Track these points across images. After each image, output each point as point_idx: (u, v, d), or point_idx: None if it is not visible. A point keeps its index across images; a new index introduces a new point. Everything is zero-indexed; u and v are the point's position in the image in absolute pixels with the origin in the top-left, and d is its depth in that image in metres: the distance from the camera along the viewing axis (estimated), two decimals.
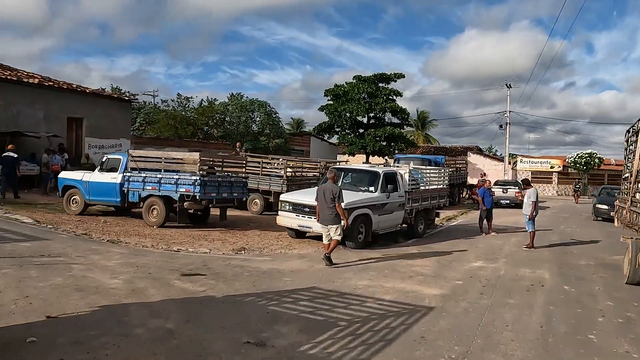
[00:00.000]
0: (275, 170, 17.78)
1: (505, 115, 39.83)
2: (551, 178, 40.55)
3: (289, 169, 17.58)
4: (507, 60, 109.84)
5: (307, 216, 11.69)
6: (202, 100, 30.73)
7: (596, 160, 37.93)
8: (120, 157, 14.08)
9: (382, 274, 9.11)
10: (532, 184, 13.35)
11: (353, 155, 36.59)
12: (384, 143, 36.40)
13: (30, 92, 20.30)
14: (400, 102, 36.48)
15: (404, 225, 13.74)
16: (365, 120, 37.89)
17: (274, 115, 32.19)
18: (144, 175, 13.23)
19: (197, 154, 13.02)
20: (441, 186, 15.32)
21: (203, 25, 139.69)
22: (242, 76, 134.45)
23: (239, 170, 14.58)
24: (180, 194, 12.70)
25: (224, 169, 14.42)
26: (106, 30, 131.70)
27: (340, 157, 36.92)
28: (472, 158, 42.79)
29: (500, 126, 40.25)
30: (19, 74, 20.87)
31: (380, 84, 37.33)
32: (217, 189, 13.08)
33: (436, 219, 15.81)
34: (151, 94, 34.21)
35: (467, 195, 29.18)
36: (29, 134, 19.09)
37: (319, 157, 39.60)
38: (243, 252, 10.57)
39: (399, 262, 10.27)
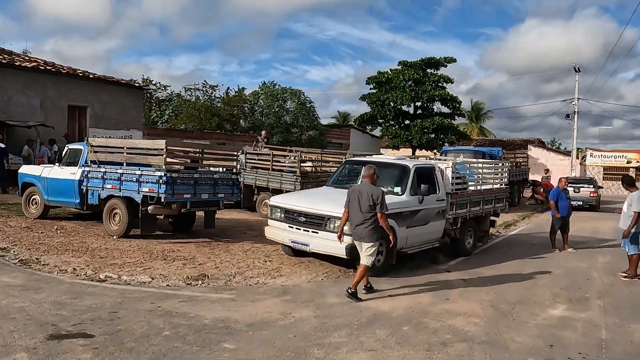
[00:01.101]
0: (291, 164, 14.23)
1: (573, 103, 34.46)
2: (627, 174, 34.84)
3: (307, 163, 13.97)
4: (571, 51, 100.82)
5: (302, 228, 8.09)
6: (227, 88, 27.54)
7: None
8: (81, 147, 10.97)
9: (398, 334, 5.37)
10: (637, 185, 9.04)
11: (397, 148, 32.48)
12: (432, 135, 32.14)
13: (25, 77, 17.74)
14: (454, 93, 32.07)
15: (445, 238, 9.87)
16: (411, 110, 33.73)
17: (308, 105, 28.65)
18: (104, 170, 10.05)
19: (163, 141, 9.66)
20: (498, 185, 11.24)
21: (257, 23, 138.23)
22: (294, 72, 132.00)
23: (230, 165, 11.13)
24: (143, 195, 9.40)
25: (213, 162, 11.06)
26: (165, 31, 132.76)
27: (383, 151, 32.84)
28: (534, 152, 37.59)
29: (567, 115, 34.91)
30: (14, 58, 18.39)
31: (429, 70, 33.02)
32: (193, 189, 9.67)
33: (491, 228, 11.74)
34: (192, 88, 31.46)
35: (531, 195, 24.53)
36: (12, 123, 16.50)
37: (360, 150, 35.89)
38: (199, 282, 7.08)
39: (431, 307, 6.45)
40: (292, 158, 14.37)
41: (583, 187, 21.01)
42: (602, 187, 24.29)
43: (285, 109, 27.35)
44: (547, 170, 27.55)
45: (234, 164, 10.99)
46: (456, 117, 33.87)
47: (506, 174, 11.45)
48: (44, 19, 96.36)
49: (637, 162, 34.28)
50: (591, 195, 20.47)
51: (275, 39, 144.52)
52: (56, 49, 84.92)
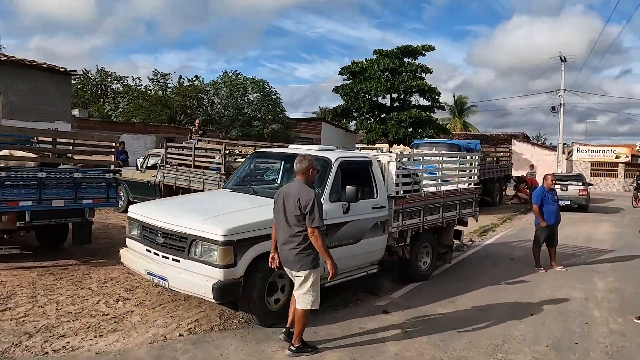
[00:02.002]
0: (215, 160, 11.37)
1: (559, 94, 31.87)
2: (616, 170, 32.27)
3: (233, 158, 11.09)
4: (558, 47, 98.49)
5: (161, 253, 5.27)
6: (180, 77, 24.56)
7: None
8: None
9: None
10: None
11: (373, 143, 29.72)
12: (410, 129, 29.42)
13: None
14: (434, 85, 29.32)
15: (393, 256, 7.12)
16: (387, 102, 31.02)
17: (273, 96, 25.77)
18: None
19: None
20: (467, 185, 8.45)
21: (245, 20, 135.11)
22: (283, 70, 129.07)
23: (105, 160, 8.23)
24: None
25: (91, 158, 8.20)
26: (152, 28, 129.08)
27: (358, 147, 29.98)
28: (518, 147, 34.96)
29: (553, 108, 32.29)
30: None
31: (406, 59, 30.31)
32: (37, 193, 6.79)
33: (456, 240, 8.93)
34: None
35: (514, 193, 21.88)
36: None
37: (332, 145, 33.06)
38: None
39: None
40: (215, 151, 11.46)
41: (571, 184, 18.34)
42: (591, 185, 21.67)
43: (246, 101, 24.43)
44: (532, 166, 24.95)
45: (111, 158, 8.08)
46: (436, 110, 31.13)
47: (477, 170, 8.66)
48: (28, 16, 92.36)
49: (627, 157, 31.79)
50: (580, 193, 17.82)
51: (264, 36, 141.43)
52: (41, 47, 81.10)
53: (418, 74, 29.75)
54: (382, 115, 30.15)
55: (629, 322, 5.79)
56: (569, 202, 18.01)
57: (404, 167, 6.83)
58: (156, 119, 23.17)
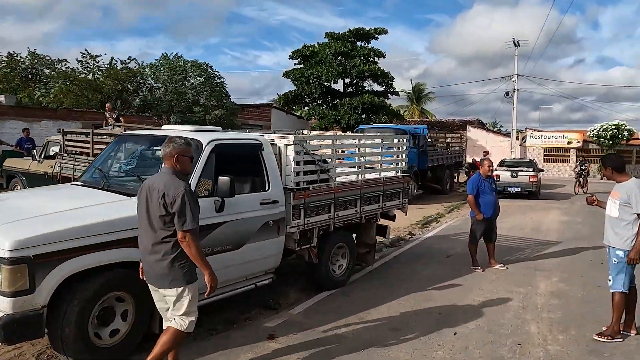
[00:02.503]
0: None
1: (513, 80, 31.30)
2: (568, 156, 32.07)
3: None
4: (516, 36, 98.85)
5: None
6: (112, 59, 22.53)
7: (625, 134, 29.39)
8: None
9: None
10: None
11: (326, 130, 28.45)
12: (363, 116, 28.26)
13: None
14: (390, 72, 28.18)
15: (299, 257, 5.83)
16: (341, 87, 29.79)
17: (217, 80, 24.05)
18: None
19: None
20: (393, 174, 7.18)
21: (205, 7, 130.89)
22: (245, 58, 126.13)
23: None
24: None
25: None
26: (108, 13, 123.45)
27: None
28: (473, 133, 34.42)
29: (507, 93, 31.70)
30: None
31: (359, 43, 29.06)
32: None
33: (381, 238, 7.66)
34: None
35: (465, 180, 21.00)
36: None
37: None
38: None
39: None
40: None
41: (522, 170, 17.50)
42: (542, 170, 21.02)
43: (187, 85, 22.62)
44: (486, 152, 24.11)
45: None
46: (390, 96, 30.09)
47: (405, 156, 7.40)
48: None
49: (578, 142, 31.60)
50: (531, 180, 17.00)
51: (225, 23, 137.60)
52: None
53: (371, 58, 28.65)
54: (335, 101, 28.89)
55: (572, 340, 4.67)
56: (519, 189, 17.23)
57: (306, 151, 5.49)
58: (86, 104, 21.13)
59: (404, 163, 7.31)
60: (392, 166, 7.21)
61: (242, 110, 26.58)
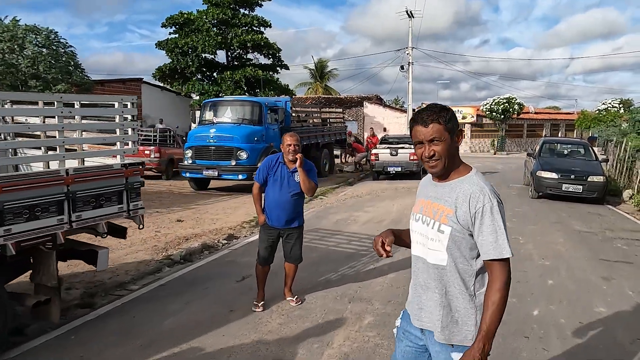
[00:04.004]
0: None
1: (407, 53, 29.54)
2: (463, 131, 31.22)
3: None
4: (426, 17, 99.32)
5: None
6: None
7: (516, 107, 28.80)
8: None
9: None
10: None
11: None
12: (249, 91, 25.19)
13: None
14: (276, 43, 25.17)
15: None
16: (224, 60, 26.45)
17: (62, 50, 19.84)
18: None
19: None
20: (110, 162, 4.28)
21: None
22: (154, 36, 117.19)
23: None
24: None
25: None
26: None
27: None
28: (370, 109, 32.55)
29: (402, 67, 29.94)
30: None
31: (242, 10, 25.79)
32: None
33: (101, 254, 4.75)
34: None
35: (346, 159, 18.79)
36: None
37: (155, 112, 27.71)
38: None
39: None
40: None
41: (403, 148, 15.44)
42: None
43: (21, 55, 18.28)
44: (372, 130, 21.99)
45: None
46: (279, 70, 27.18)
47: (133, 133, 4.50)
48: None
49: (472, 117, 30.69)
50: (411, 158, 14.99)
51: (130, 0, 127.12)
52: None
53: (255, 27, 25.54)
54: (216, 75, 25.54)
55: None
56: (399, 169, 15.15)
57: None
58: None
59: (131, 144, 4.42)
60: (108, 149, 4.30)
61: (100, 86, 22.50)
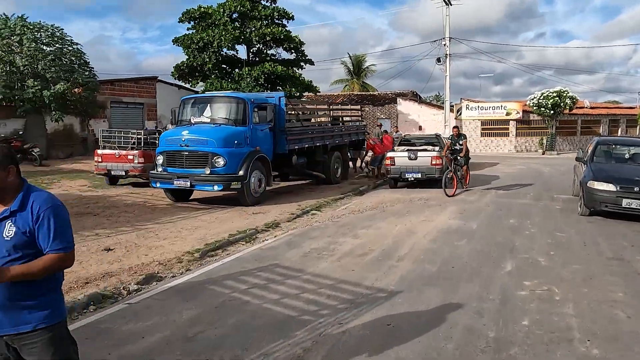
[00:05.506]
0: None
1: (444, 43, 26.66)
2: (507, 129, 27.90)
3: None
4: (476, 10, 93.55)
5: None
6: None
7: (567, 101, 25.29)
8: None
9: None
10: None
11: None
12: (269, 88, 23.27)
13: None
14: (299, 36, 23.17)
15: None
16: (244, 56, 24.65)
17: (67, 48, 18.63)
18: None
19: None
20: None
21: None
22: None
23: None
24: None
25: None
26: None
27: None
28: (404, 106, 29.89)
29: (438, 59, 27.06)
30: None
31: (262, 2, 23.91)
32: None
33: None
34: None
35: (363, 164, 16.43)
36: None
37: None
38: None
39: None
40: None
41: (425, 150, 12.91)
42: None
43: (17, 53, 17.16)
44: (380, 125, 19.22)
45: None
46: (304, 65, 25.06)
47: None
48: None
49: (518, 113, 27.38)
50: (433, 163, 12.45)
51: (182, 3, 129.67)
52: None
53: (277, 20, 23.60)
54: (236, 72, 23.75)
55: None
56: (418, 175, 12.66)
57: None
58: None
59: None
60: None
61: (110, 85, 21.22)
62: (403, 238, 7.46)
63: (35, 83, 17.01)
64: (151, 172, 10.45)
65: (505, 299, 4.86)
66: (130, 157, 12.50)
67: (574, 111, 27.14)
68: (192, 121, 10.44)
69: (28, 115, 17.40)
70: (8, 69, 17.13)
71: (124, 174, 12.69)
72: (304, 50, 24.26)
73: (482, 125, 28.23)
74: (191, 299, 4.92)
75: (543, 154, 26.22)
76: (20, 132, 17.20)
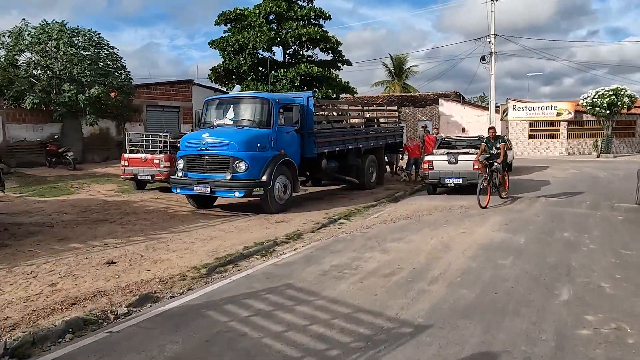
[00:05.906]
0: None
1: (489, 41, 25.20)
2: (558, 130, 26.01)
3: None
4: (525, 8, 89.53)
5: None
6: None
7: (625, 100, 23.24)
8: None
9: None
10: None
11: None
12: (305, 90, 22.61)
13: None
14: (335, 36, 22.47)
15: None
16: (281, 58, 24.14)
17: (104, 52, 18.64)
18: None
19: None
20: None
21: None
22: None
23: None
24: None
25: None
26: (112, 3, 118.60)
27: None
28: (446, 107, 28.52)
29: (483, 58, 25.64)
30: None
31: (300, 2, 23.31)
32: None
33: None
34: None
35: (397, 168, 15.42)
36: None
37: None
38: None
39: None
40: None
41: (468, 154, 11.81)
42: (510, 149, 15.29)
43: (56, 57, 17.26)
44: (425, 127, 18.14)
45: None
46: (341, 67, 24.32)
47: None
48: None
49: (569, 113, 25.48)
50: (476, 167, 11.34)
51: (225, 5, 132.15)
52: None
53: (314, 20, 22.94)
54: (272, 74, 23.23)
55: None
56: (459, 181, 11.59)
57: None
58: None
59: None
60: None
61: (146, 89, 21.16)
62: (438, 254, 6.50)
63: (71, 87, 17.03)
64: (172, 177, 9.92)
65: (562, 340, 3.86)
66: (156, 161, 12.08)
67: (632, 110, 24.99)
68: (215, 123, 9.84)
69: (64, 119, 17.46)
70: (46, 73, 17.26)
71: (150, 178, 12.29)
72: (341, 50, 23.51)
73: (530, 127, 26.46)
74: (181, 328, 4.20)
75: (598, 156, 24.25)
76: (56, 136, 17.26)
